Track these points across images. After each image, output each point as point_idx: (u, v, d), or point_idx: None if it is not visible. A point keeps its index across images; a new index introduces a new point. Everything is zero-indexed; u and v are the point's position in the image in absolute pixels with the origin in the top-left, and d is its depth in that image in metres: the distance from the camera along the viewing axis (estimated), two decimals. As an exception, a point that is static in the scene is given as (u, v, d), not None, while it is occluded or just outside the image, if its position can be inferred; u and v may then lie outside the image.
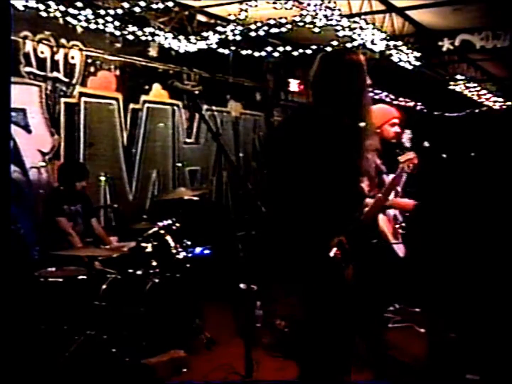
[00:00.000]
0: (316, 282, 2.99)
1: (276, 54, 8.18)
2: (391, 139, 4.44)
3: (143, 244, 5.20)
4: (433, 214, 4.93)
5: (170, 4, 6.56)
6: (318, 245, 2.90)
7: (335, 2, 6.48)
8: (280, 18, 6.87)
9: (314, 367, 3.05)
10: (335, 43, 7.24)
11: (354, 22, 6.89)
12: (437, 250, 5.02)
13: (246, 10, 6.63)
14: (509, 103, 13.33)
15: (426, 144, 4.45)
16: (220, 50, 7.65)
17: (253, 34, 7.14)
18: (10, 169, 5.61)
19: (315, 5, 6.40)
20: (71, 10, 6.04)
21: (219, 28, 7.23)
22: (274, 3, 6.41)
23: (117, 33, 6.64)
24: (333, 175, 2.92)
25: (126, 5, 6.34)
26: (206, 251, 6.98)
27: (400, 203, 4.39)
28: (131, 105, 7.41)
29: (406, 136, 4.41)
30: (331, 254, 2.87)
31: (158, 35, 7.00)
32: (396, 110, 4.57)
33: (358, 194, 3.12)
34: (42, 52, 6.24)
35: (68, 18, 6.13)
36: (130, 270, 5.03)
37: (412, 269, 4.35)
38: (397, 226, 4.40)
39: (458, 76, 10.91)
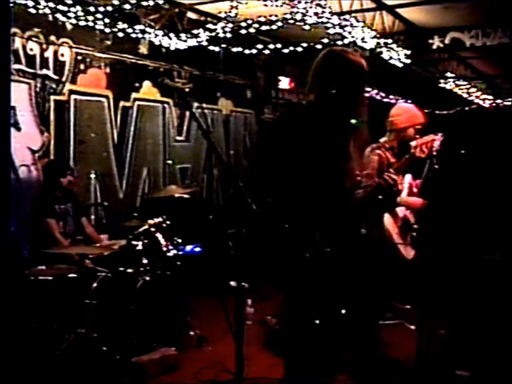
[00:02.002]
0: (294, 280, 3.00)
1: (266, 52, 8.17)
2: (406, 141, 4.44)
3: (134, 242, 5.20)
4: (435, 213, 4.95)
5: (161, 1, 6.54)
6: (296, 243, 2.91)
7: (325, 0, 6.48)
8: (271, 15, 6.86)
9: (297, 364, 3.06)
10: (325, 40, 7.24)
11: (345, 20, 6.89)
12: (442, 250, 5.05)
13: (236, 8, 6.61)
14: (498, 101, 13.39)
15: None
16: (211, 47, 7.63)
17: (243, 31, 7.13)
18: (10, 170, 5.60)
19: (305, 3, 6.40)
20: (60, 7, 6.01)
21: (209, 26, 7.21)
22: (265, 0, 6.40)
23: (107, 30, 6.61)
24: (318, 173, 2.93)
25: (116, 2, 6.31)
26: (197, 249, 6.98)
27: (408, 201, 4.38)
28: (122, 103, 7.38)
29: (438, 140, 4.40)
30: (307, 254, 2.88)
31: (148, 32, 6.97)
32: (422, 115, 4.57)
33: (340, 193, 3.13)
34: (31, 49, 6.20)
35: (58, 15, 6.10)
36: (121, 268, 5.03)
37: (420, 271, 4.35)
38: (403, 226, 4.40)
39: (448, 74, 10.94)
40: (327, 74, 3.07)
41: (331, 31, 6.93)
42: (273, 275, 3.16)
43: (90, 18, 6.30)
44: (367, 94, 11.96)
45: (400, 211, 4.39)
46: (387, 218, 4.29)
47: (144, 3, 6.44)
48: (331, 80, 3.06)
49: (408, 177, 4.46)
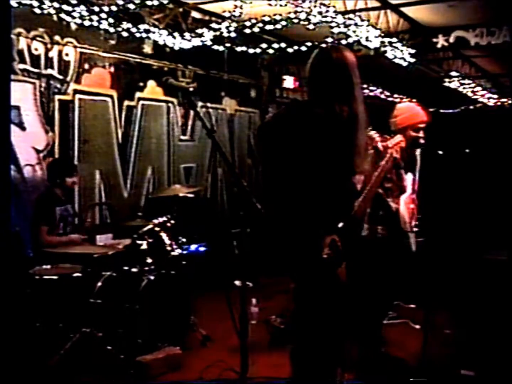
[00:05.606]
0: (309, 281, 2.98)
1: (270, 51, 8.17)
2: (411, 140, 4.43)
3: (138, 242, 5.20)
4: (435, 210, 4.95)
5: (165, 1, 6.55)
6: (310, 244, 2.89)
7: (329, -1, 6.49)
8: (275, 14, 6.86)
9: (304, 364, 3.06)
10: (330, 40, 7.23)
11: (349, 19, 6.88)
12: (443, 246, 5.05)
13: (240, 7, 6.61)
14: (503, 99, 13.35)
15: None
16: (215, 47, 7.63)
17: (247, 31, 7.13)
18: (10, 169, 5.61)
19: (309, 2, 6.40)
20: (65, 7, 6.01)
21: (213, 25, 7.21)
22: (269, -1, 6.41)
23: (112, 30, 6.62)
24: (326, 173, 2.91)
25: (120, 2, 6.32)
26: (201, 248, 6.98)
27: None
28: (126, 102, 7.39)
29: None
30: (324, 255, 2.86)
31: (152, 32, 6.98)
32: (425, 114, 4.54)
33: (350, 191, 3.12)
34: (36, 49, 6.22)
35: (62, 15, 6.11)
36: (126, 268, 5.03)
37: (421, 265, 4.36)
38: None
39: (453, 73, 10.92)
40: (314, 72, 3.10)
41: (336, 30, 6.92)
42: (281, 274, 3.14)
43: (95, 18, 6.31)
44: (371, 93, 11.94)
45: (408, 204, 4.39)
46: (402, 207, 4.29)
47: (149, 3, 6.44)
48: (317, 78, 3.09)
49: (410, 176, 4.46)
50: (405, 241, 4.31)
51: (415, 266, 4.40)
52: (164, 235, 5.29)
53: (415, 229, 4.39)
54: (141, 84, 7.61)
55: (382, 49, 7.81)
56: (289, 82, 10.22)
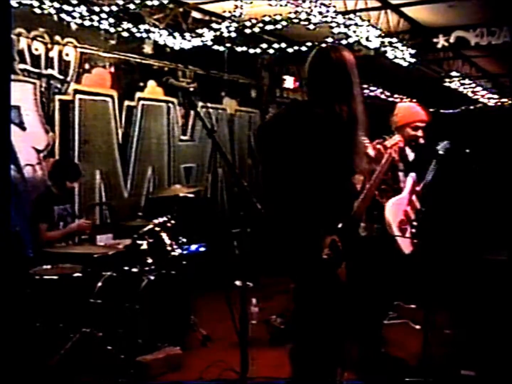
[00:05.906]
0: (309, 282, 2.98)
1: (271, 51, 8.17)
2: (409, 140, 4.42)
3: (139, 242, 5.20)
4: (437, 211, 4.95)
5: (165, 1, 6.55)
6: (310, 245, 2.89)
7: (330, -1, 6.49)
8: (275, 15, 6.86)
9: (304, 364, 3.06)
10: (330, 40, 7.23)
11: (349, 19, 6.88)
12: (443, 247, 5.04)
13: (241, 7, 6.61)
14: (503, 100, 13.35)
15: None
16: (215, 47, 7.63)
17: (248, 31, 7.14)
18: (10, 169, 5.61)
19: (310, 2, 6.40)
20: (65, 7, 6.02)
21: (214, 25, 7.22)
22: (269, -1, 6.41)
23: (112, 30, 6.62)
24: (326, 173, 2.91)
25: (120, 2, 6.32)
26: (202, 248, 6.98)
27: None
28: (126, 102, 7.40)
29: (443, 146, 4.42)
30: (324, 255, 2.86)
31: (153, 32, 6.98)
32: (425, 113, 4.53)
33: (350, 191, 3.12)
34: (36, 49, 6.22)
35: (63, 15, 6.11)
36: (126, 268, 5.03)
37: (417, 266, 4.34)
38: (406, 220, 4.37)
39: (453, 73, 10.92)
40: (313, 72, 3.10)
41: (336, 30, 6.92)
42: (281, 274, 3.14)
43: (95, 18, 6.31)
44: (371, 94, 11.93)
45: (402, 205, 4.37)
46: (389, 209, 4.27)
47: (149, 3, 6.44)
48: (316, 79, 3.09)
49: (410, 177, 4.45)
50: (392, 243, 4.28)
51: (407, 268, 4.39)
52: (164, 235, 5.30)
53: (413, 230, 4.37)
54: (141, 84, 7.62)
55: (382, 49, 7.81)
56: (289, 82, 10.22)
